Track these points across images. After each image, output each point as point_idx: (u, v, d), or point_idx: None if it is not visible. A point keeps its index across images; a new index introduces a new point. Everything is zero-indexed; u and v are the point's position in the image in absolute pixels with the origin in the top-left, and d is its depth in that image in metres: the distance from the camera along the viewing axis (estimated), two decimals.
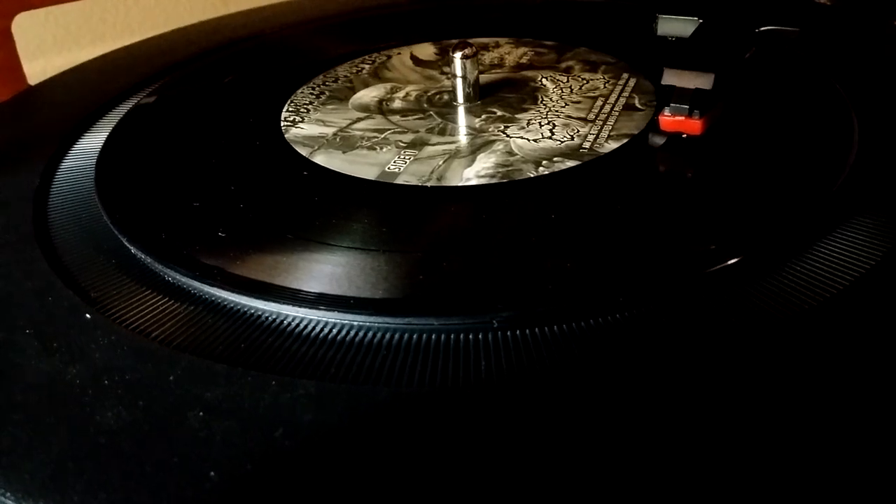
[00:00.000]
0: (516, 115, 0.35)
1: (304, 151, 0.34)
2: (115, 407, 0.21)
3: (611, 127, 0.33)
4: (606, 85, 0.37)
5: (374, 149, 0.33)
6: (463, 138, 0.34)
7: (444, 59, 0.43)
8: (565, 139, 0.33)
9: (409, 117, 0.36)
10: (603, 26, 0.46)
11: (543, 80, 0.39)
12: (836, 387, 0.20)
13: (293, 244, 0.27)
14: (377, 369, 0.22)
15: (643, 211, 0.28)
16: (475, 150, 0.33)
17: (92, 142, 0.37)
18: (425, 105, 0.37)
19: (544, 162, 0.31)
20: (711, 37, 0.35)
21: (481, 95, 0.37)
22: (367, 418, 0.20)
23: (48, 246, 0.29)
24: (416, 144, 0.34)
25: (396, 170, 0.31)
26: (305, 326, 0.24)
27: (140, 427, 0.21)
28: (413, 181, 0.31)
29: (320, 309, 0.24)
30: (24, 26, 0.61)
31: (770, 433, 0.19)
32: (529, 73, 0.40)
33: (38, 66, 0.56)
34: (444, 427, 0.20)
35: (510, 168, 0.31)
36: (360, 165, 0.32)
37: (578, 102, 0.36)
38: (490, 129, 0.34)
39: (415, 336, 0.23)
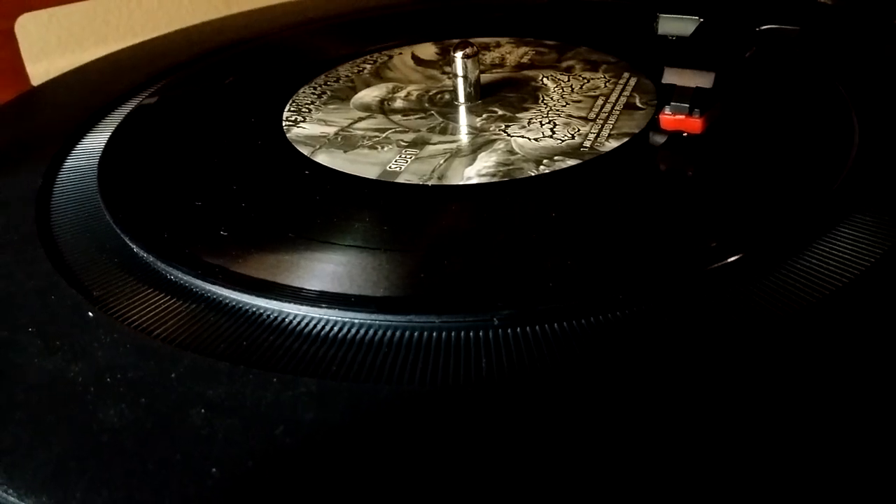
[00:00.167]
0: (517, 115, 0.35)
1: (305, 151, 0.34)
2: (118, 405, 0.21)
3: (611, 126, 0.33)
4: (607, 84, 0.38)
5: (376, 148, 0.34)
6: (464, 137, 0.34)
7: (445, 59, 0.43)
8: (566, 138, 0.33)
9: (411, 117, 0.36)
10: (604, 26, 0.46)
11: (544, 79, 0.39)
12: (836, 384, 0.20)
13: (295, 243, 0.27)
14: (378, 367, 0.22)
15: (644, 209, 0.28)
16: (476, 149, 0.33)
17: (94, 142, 0.37)
18: (426, 104, 0.37)
19: (545, 161, 0.31)
20: (712, 36, 0.35)
21: (482, 95, 0.37)
22: (369, 416, 0.20)
23: (51, 245, 0.29)
24: (418, 144, 0.34)
25: (398, 169, 0.32)
26: (307, 324, 0.24)
27: (142, 425, 0.21)
28: (414, 180, 0.31)
29: (322, 307, 0.24)
30: (28, 28, 0.61)
31: (771, 430, 0.19)
32: (530, 73, 0.40)
33: (42, 67, 0.56)
34: (446, 425, 0.20)
35: (511, 167, 0.31)
36: (361, 164, 0.32)
37: (579, 101, 0.36)
38: (491, 129, 0.34)
39: (416, 334, 0.23)
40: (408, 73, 0.41)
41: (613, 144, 0.32)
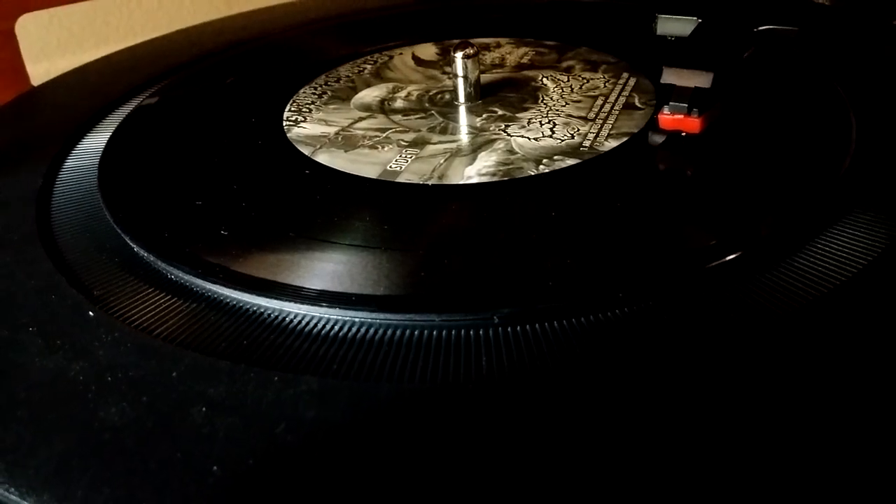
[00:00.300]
0: (517, 115, 0.35)
1: (306, 150, 0.34)
2: (119, 403, 0.21)
3: (611, 125, 0.33)
4: (607, 84, 0.38)
5: (376, 148, 0.34)
6: (464, 137, 0.34)
7: (445, 59, 0.43)
8: (566, 138, 0.33)
9: (411, 116, 0.36)
10: (603, 26, 0.46)
11: (544, 79, 0.39)
12: (834, 382, 0.20)
13: (295, 242, 0.27)
14: (379, 366, 0.22)
15: (643, 208, 0.28)
16: (476, 148, 0.33)
17: (95, 142, 0.37)
18: (427, 104, 0.38)
19: (545, 160, 0.31)
20: (710, 36, 0.35)
21: (482, 95, 0.37)
22: (369, 414, 0.20)
23: (51, 245, 0.29)
24: (418, 143, 0.34)
25: (398, 168, 0.32)
26: (308, 323, 0.24)
27: (143, 423, 0.21)
28: (414, 180, 0.31)
29: (322, 306, 0.24)
30: (28, 29, 0.61)
31: (770, 428, 0.19)
32: (530, 73, 0.40)
33: (42, 68, 0.56)
34: (446, 423, 0.20)
35: (511, 166, 0.31)
36: (361, 164, 0.32)
37: (579, 101, 0.36)
38: (491, 128, 0.34)
39: (416, 332, 0.23)
40: (408, 74, 0.41)
41: (613, 144, 0.32)
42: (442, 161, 0.32)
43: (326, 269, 0.26)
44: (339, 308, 0.24)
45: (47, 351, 0.24)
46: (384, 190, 0.30)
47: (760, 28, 0.36)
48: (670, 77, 0.32)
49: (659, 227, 0.27)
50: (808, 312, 0.23)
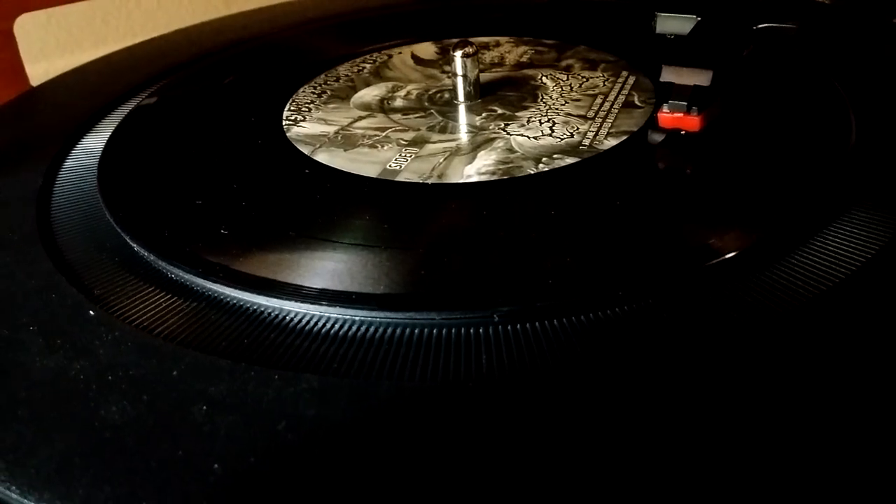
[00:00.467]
0: (516, 113, 0.36)
1: (305, 150, 0.34)
2: (120, 402, 0.21)
3: (610, 124, 0.34)
4: (606, 83, 0.38)
5: (376, 147, 0.34)
6: (464, 136, 0.34)
7: (444, 58, 0.43)
8: (565, 136, 0.33)
9: (410, 115, 0.36)
10: (602, 25, 0.46)
11: (543, 78, 0.39)
12: (833, 380, 0.20)
13: (295, 241, 0.27)
14: (379, 364, 0.22)
15: (642, 206, 0.28)
16: (476, 147, 0.33)
17: (94, 142, 0.37)
18: (426, 103, 0.38)
19: (544, 159, 0.31)
20: (710, 34, 0.35)
21: (482, 94, 0.37)
22: (370, 412, 0.20)
23: (51, 245, 0.29)
24: (417, 142, 0.34)
25: (398, 167, 0.32)
26: (308, 322, 0.24)
27: (144, 422, 0.21)
28: (414, 178, 0.31)
29: (323, 304, 0.24)
30: (27, 29, 0.61)
31: (770, 426, 0.19)
32: (529, 72, 0.40)
33: (41, 68, 0.56)
34: (446, 421, 0.20)
35: (510, 165, 0.31)
36: (361, 163, 0.32)
37: (578, 100, 0.36)
38: (490, 127, 0.34)
39: (416, 331, 0.23)
40: (407, 73, 0.42)
41: (612, 142, 0.32)
42: (441, 160, 0.32)
43: (326, 267, 0.26)
44: (340, 307, 0.24)
45: (48, 350, 0.24)
46: (384, 189, 0.30)
47: (760, 26, 0.36)
48: (669, 75, 0.32)
49: (658, 226, 0.27)
50: (808, 310, 0.23)
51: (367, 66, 0.43)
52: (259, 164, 0.33)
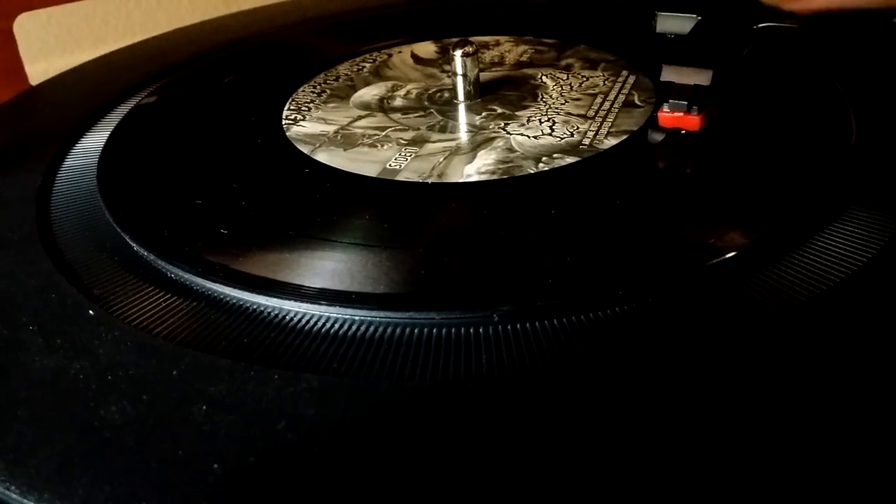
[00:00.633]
0: (516, 113, 0.36)
1: (305, 149, 0.34)
2: (120, 402, 0.21)
3: (610, 123, 0.34)
4: (606, 82, 0.38)
5: (375, 146, 0.34)
6: (463, 135, 0.34)
7: (444, 58, 0.43)
8: (565, 136, 0.33)
9: (410, 115, 0.36)
10: (603, 24, 0.46)
11: (543, 77, 0.39)
12: (834, 379, 0.20)
13: (295, 241, 0.27)
14: (379, 363, 0.22)
15: (642, 206, 0.28)
16: (476, 146, 0.33)
17: (94, 141, 0.37)
18: (426, 103, 0.38)
19: (544, 158, 0.31)
20: (710, 33, 0.35)
21: (482, 93, 0.37)
22: (369, 412, 0.20)
23: (51, 244, 0.29)
24: (417, 142, 0.34)
25: (397, 167, 0.32)
26: (308, 321, 0.24)
27: (144, 422, 0.21)
28: (414, 178, 0.31)
29: (322, 304, 0.24)
30: (27, 28, 0.61)
31: (770, 425, 0.19)
32: (529, 71, 0.40)
33: (41, 67, 0.56)
34: (446, 421, 0.20)
35: (510, 164, 0.31)
36: (361, 163, 0.32)
37: (578, 99, 0.36)
38: (490, 127, 0.34)
39: (416, 330, 0.23)
40: (407, 72, 0.41)
41: (612, 142, 0.32)
42: (441, 159, 0.32)
43: (326, 267, 0.26)
44: (339, 306, 0.24)
45: (48, 350, 0.24)
46: (384, 188, 0.30)
47: (760, 25, 0.36)
48: (670, 75, 0.32)
49: (658, 225, 0.27)
50: (808, 310, 0.23)
51: (367, 65, 0.43)
52: (259, 164, 0.33)
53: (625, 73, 0.38)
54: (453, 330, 0.23)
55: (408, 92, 0.39)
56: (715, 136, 0.32)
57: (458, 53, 0.36)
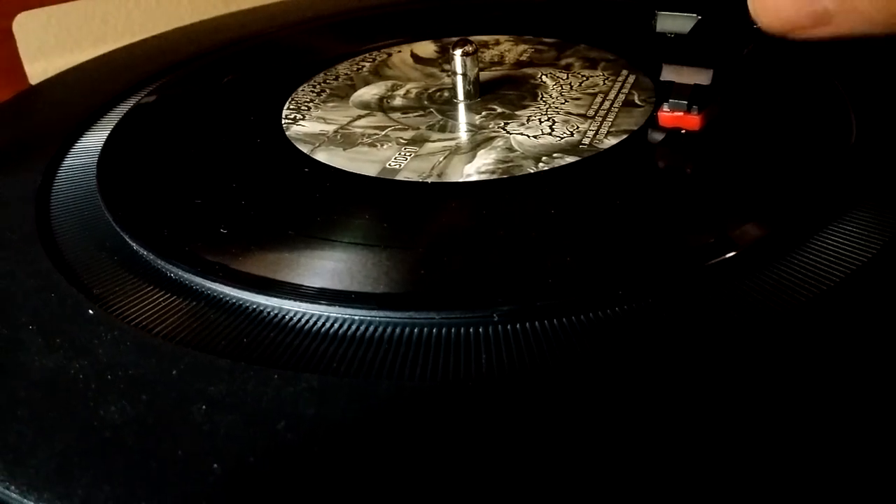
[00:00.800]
0: (516, 112, 0.35)
1: (304, 149, 0.34)
2: (119, 402, 0.21)
3: (610, 123, 0.33)
4: (606, 82, 0.38)
5: (375, 146, 0.34)
6: (463, 135, 0.34)
7: (444, 57, 0.43)
8: (565, 135, 0.33)
9: (410, 114, 0.36)
10: (603, 23, 0.46)
11: (543, 77, 0.39)
12: (834, 379, 0.20)
13: (295, 240, 0.27)
14: (379, 363, 0.22)
15: (642, 205, 0.28)
16: (475, 146, 0.33)
17: (93, 140, 0.37)
18: (426, 102, 0.38)
19: (544, 158, 0.31)
20: (710, 33, 0.35)
21: (481, 92, 0.37)
22: (369, 412, 0.20)
23: (51, 244, 0.29)
24: (417, 141, 0.34)
25: (397, 166, 0.32)
26: (307, 321, 0.24)
27: (144, 421, 0.21)
28: (414, 177, 0.31)
29: (322, 304, 0.24)
30: (26, 27, 0.61)
31: (770, 426, 0.19)
32: (529, 71, 0.40)
33: (40, 67, 0.56)
34: (446, 421, 0.20)
35: (510, 164, 0.31)
36: (360, 162, 0.32)
37: (578, 99, 0.36)
38: (490, 126, 0.34)
39: (416, 330, 0.23)
40: (407, 71, 0.41)
41: (612, 141, 0.32)
42: (441, 159, 0.32)
43: (326, 267, 0.26)
44: (339, 306, 0.24)
45: (47, 350, 0.24)
46: (383, 188, 0.30)
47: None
48: (670, 74, 0.32)
49: (658, 225, 0.27)
50: (808, 310, 0.23)
51: (367, 64, 0.43)
52: (258, 163, 0.33)
53: (625, 72, 0.38)
54: (453, 330, 0.23)
55: (407, 91, 0.39)
56: (715, 136, 0.32)
57: (457, 53, 0.36)
